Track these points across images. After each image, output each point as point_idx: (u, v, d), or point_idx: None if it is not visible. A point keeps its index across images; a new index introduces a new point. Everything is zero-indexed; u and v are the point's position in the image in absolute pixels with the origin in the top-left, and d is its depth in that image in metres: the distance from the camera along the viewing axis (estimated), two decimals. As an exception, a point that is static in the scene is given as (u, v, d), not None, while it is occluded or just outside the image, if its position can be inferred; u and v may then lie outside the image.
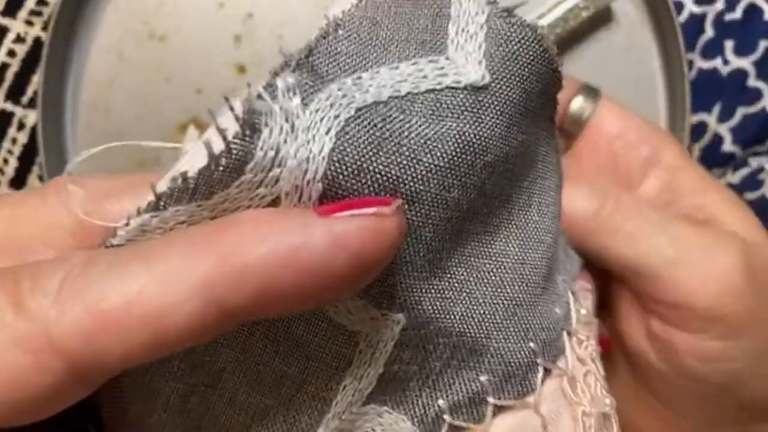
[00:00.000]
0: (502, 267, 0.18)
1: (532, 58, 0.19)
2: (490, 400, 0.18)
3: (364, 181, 0.15)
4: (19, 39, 0.45)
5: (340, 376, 0.17)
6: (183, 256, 0.13)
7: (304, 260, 0.13)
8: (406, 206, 0.16)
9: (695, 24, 0.48)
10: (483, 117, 0.17)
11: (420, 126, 0.17)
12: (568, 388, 0.19)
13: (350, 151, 0.15)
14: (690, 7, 0.49)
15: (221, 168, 0.15)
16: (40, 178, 0.45)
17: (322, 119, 0.15)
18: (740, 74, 0.46)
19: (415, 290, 0.17)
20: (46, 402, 0.14)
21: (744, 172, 0.45)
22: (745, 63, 0.46)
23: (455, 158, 0.17)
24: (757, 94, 0.45)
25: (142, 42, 0.43)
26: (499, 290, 0.18)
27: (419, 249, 0.17)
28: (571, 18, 0.41)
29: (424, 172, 0.16)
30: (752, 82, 0.45)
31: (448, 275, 0.17)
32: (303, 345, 0.16)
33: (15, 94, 0.45)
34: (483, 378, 0.18)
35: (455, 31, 0.18)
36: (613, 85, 0.44)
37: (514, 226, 0.19)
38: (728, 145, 0.46)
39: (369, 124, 0.16)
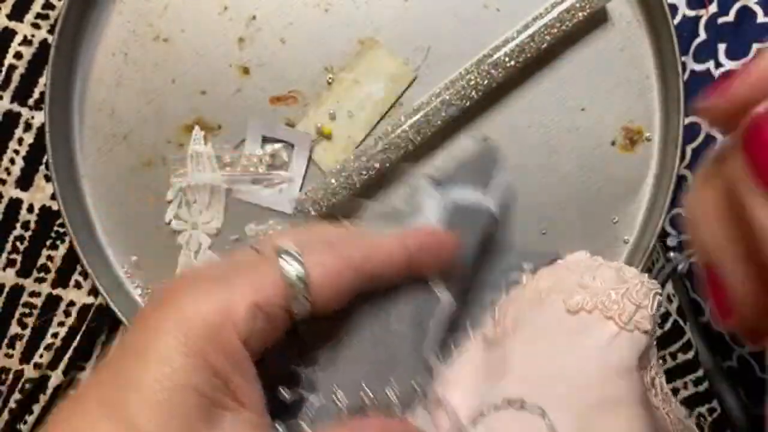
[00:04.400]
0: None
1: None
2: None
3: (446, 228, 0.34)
4: (26, 41, 0.46)
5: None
6: (386, 242, 0.30)
7: (429, 244, 0.31)
8: None
9: (689, 27, 0.49)
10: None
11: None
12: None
13: (442, 216, 0.34)
14: (683, 10, 0.49)
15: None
16: (47, 178, 0.45)
17: (436, 200, 0.35)
18: (733, 76, 0.46)
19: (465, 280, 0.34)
20: (341, 296, 0.29)
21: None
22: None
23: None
24: (749, 96, 0.46)
25: (147, 44, 0.44)
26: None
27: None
28: (567, 18, 0.42)
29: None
30: (745, 83, 0.46)
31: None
32: (423, 291, 0.32)
33: (22, 95, 0.46)
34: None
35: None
36: (608, 85, 0.45)
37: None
38: (722, 146, 0.46)
39: (453, 206, 0.34)
